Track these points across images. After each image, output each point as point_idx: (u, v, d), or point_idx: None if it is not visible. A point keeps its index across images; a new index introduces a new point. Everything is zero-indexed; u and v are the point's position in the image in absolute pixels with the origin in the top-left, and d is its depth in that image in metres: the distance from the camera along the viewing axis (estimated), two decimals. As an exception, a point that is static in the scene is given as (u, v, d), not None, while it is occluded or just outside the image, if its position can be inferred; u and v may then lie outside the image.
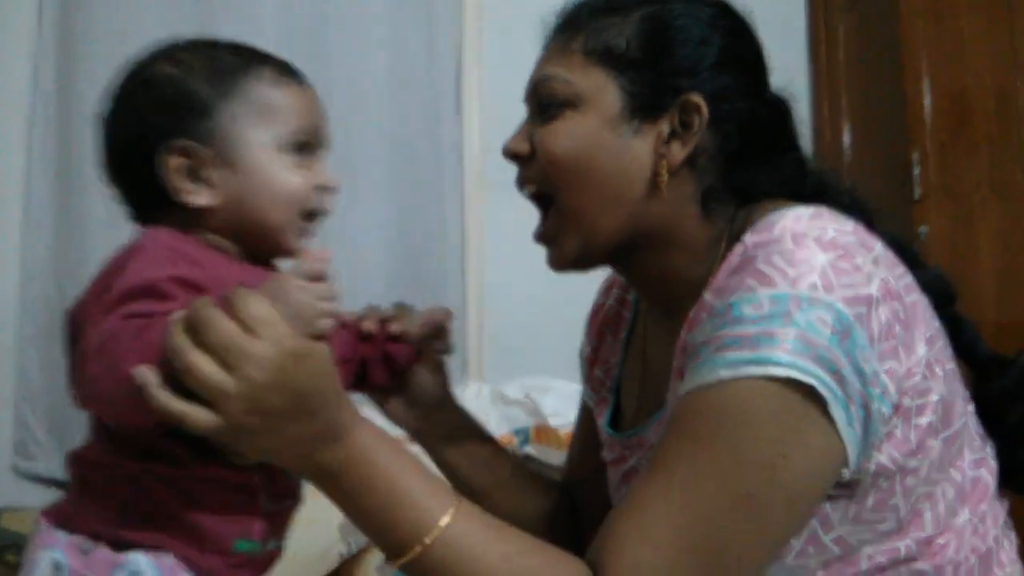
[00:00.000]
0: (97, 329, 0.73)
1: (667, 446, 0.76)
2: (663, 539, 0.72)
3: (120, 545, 0.78)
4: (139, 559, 0.78)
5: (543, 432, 1.90)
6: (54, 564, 0.79)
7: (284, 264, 0.87)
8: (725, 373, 0.72)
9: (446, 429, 1.03)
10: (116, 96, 0.86)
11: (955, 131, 2.39)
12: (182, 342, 0.67)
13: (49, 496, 2.25)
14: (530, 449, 1.86)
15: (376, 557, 1.72)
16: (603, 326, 1.10)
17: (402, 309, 0.97)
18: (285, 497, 0.85)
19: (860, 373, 0.72)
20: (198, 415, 0.68)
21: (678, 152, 0.85)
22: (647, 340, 1.00)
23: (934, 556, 0.80)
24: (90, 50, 2.35)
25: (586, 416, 1.14)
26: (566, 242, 0.89)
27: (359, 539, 1.71)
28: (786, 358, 0.70)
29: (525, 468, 1.14)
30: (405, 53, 2.57)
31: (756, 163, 0.88)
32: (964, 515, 0.82)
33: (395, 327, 0.95)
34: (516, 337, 2.44)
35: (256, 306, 0.69)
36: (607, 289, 1.12)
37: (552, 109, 0.87)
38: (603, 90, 0.86)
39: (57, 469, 2.30)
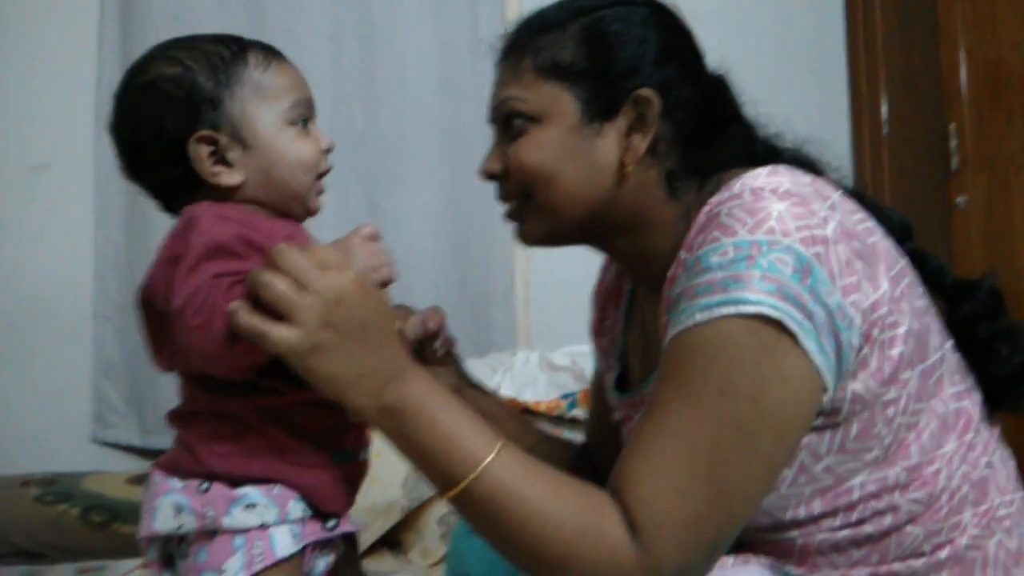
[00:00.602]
0: (185, 289, 0.82)
1: (659, 389, 0.84)
2: (668, 468, 0.79)
3: (233, 481, 0.88)
4: (252, 491, 0.88)
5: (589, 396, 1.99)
6: (175, 506, 0.88)
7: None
8: (700, 316, 0.80)
9: None
10: (125, 103, 0.94)
11: (992, 102, 2.39)
12: (260, 270, 0.78)
13: (126, 462, 2.42)
14: (577, 412, 1.96)
15: (436, 510, 1.84)
16: (605, 299, 1.19)
17: (402, 310, 1.05)
18: None
19: (824, 306, 0.78)
20: (279, 331, 0.77)
21: (639, 143, 0.93)
22: (644, 308, 1.08)
23: (925, 484, 0.87)
24: (149, 40, 2.41)
25: (598, 383, 1.24)
26: (535, 225, 0.98)
27: (419, 494, 1.83)
28: (753, 297, 0.77)
29: (550, 437, 1.24)
30: (451, 42, 2.64)
31: (709, 140, 0.95)
32: (951, 444, 0.89)
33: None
34: (562, 308, 2.51)
35: (326, 250, 0.80)
36: (607, 264, 1.21)
37: (516, 126, 0.95)
38: (559, 102, 0.93)
39: (134, 436, 2.46)
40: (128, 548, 1.90)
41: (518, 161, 0.95)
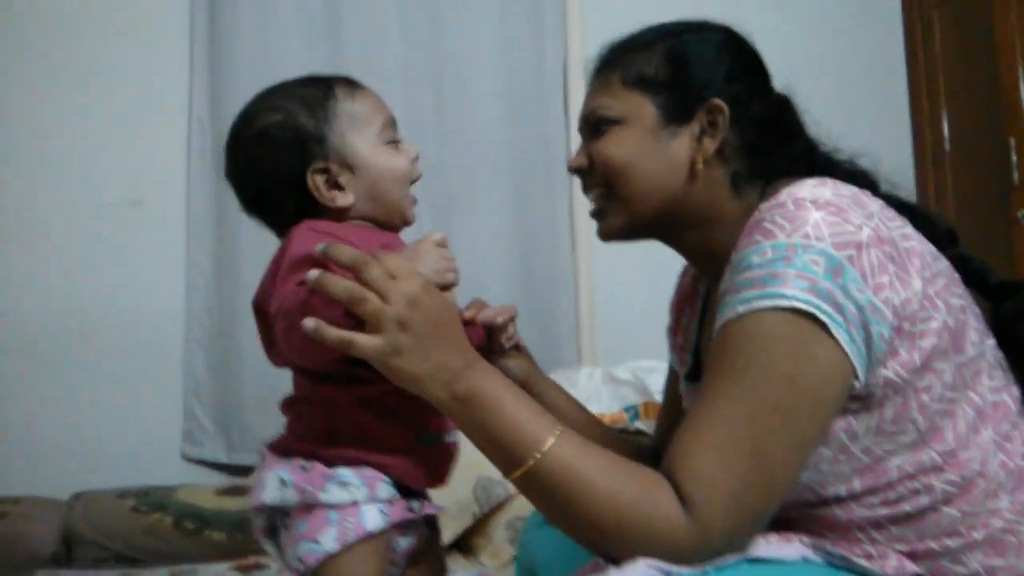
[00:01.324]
0: (277, 297, 0.95)
1: (709, 376, 0.91)
2: (714, 445, 0.86)
3: (330, 462, 0.99)
4: (346, 472, 0.99)
5: (651, 408, 2.05)
6: (280, 479, 1.00)
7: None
8: (742, 308, 0.88)
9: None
10: (240, 153, 1.07)
11: (1052, 116, 2.38)
12: (348, 284, 0.88)
13: (214, 478, 2.53)
14: (639, 424, 2.02)
15: (505, 515, 1.90)
16: (682, 302, 1.27)
17: (477, 303, 1.17)
18: None
19: (855, 302, 0.86)
20: (362, 338, 0.88)
21: (709, 145, 1.04)
22: (713, 305, 1.15)
23: (960, 467, 0.92)
24: (237, 79, 2.57)
25: (672, 381, 1.31)
26: (615, 218, 1.08)
27: (489, 500, 1.90)
28: (789, 292, 0.86)
29: (617, 434, 1.32)
30: (515, 66, 2.75)
31: (771, 149, 1.06)
32: (987, 433, 0.94)
33: (467, 313, 1.14)
34: (624, 326, 2.59)
35: (394, 258, 0.91)
36: (684, 272, 1.30)
37: (602, 128, 1.07)
38: (641, 107, 1.05)
39: (221, 454, 2.58)
40: (217, 552, 2.03)
41: (601, 155, 1.06)
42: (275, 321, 0.95)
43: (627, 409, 2.08)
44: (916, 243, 0.94)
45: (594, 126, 1.08)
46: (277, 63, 2.52)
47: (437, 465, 1.05)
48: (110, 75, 2.63)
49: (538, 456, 0.88)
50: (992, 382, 0.96)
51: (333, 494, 0.97)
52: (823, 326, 0.85)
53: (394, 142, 1.07)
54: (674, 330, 1.28)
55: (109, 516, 2.09)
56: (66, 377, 2.54)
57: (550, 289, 2.70)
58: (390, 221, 1.07)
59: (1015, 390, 0.99)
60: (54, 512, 2.14)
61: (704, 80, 1.05)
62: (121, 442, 2.51)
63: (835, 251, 0.86)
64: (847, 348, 0.86)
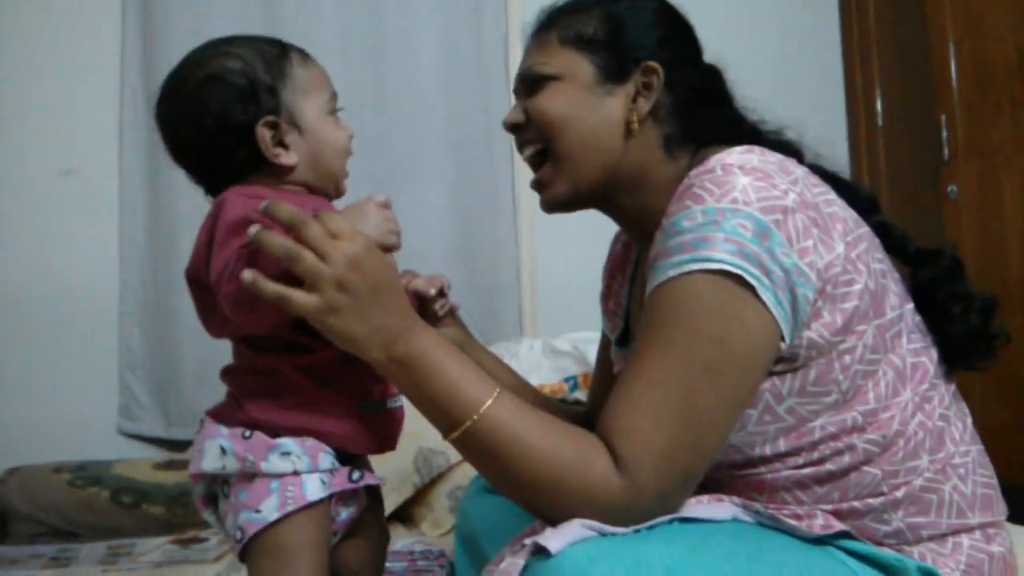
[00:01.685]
0: (219, 262, 0.93)
1: (641, 339, 0.93)
2: (646, 405, 0.88)
3: (272, 432, 0.98)
4: (288, 441, 0.98)
5: (590, 379, 2.07)
6: (220, 448, 0.99)
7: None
8: (672, 272, 0.90)
9: None
10: (185, 94, 1.04)
11: (980, 93, 2.46)
12: (285, 241, 0.87)
13: (151, 453, 2.50)
14: (578, 394, 2.04)
15: (445, 486, 1.92)
16: (614, 268, 1.30)
17: (408, 273, 1.19)
18: None
19: (781, 265, 0.88)
20: (299, 295, 0.88)
21: (644, 105, 1.06)
22: (644, 271, 1.16)
23: (880, 428, 0.95)
24: (170, 48, 2.52)
25: (604, 347, 1.34)
26: (558, 186, 1.09)
27: (430, 471, 1.91)
28: (717, 255, 0.87)
29: (548, 399, 1.34)
30: (455, 37, 2.74)
31: (702, 114, 1.08)
32: (906, 394, 0.97)
33: None
34: (565, 298, 2.59)
35: (338, 219, 0.90)
36: (615, 239, 1.32)
37: (539, 84, 1.08)
38: (578, 65, 1.07)
39: (159, 428, 2.56)
40: (155, 526, 2.02)
41: (538, 110, 1.08)
42: (218, 286, 0.93)
43: (567, 380, 2.11)
44: (838, 208, 0.96)
45: (531, 83, 1.09)
46: (211, 32, 2.38)
47: (382, 431, 1.05)
48: (41, 42, 2.56)
49: (476, 417, 0.89)
50: (911, 345, 0.99)
51: (274, 464, 0.97)
52: (751, 289, 0.87)
53: (334, 115, 1.07)
54: (606, 296, 1.31)
55: (44, 490, 2.06)
56: (-1, 352, 2.49)
57: (492, 262, 2.71)
58: (324, 190, 1.07)
59: (933, 353, 1.02)
60: (-14, 488, 2.09)
61: (640, 43, 1.07)
62: (56, 418, 2.48)
63: (762, 215, 0.88)
64: (774, 311, 0.88)
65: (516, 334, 2.64)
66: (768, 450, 0.96)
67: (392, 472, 1.83)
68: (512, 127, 1.12)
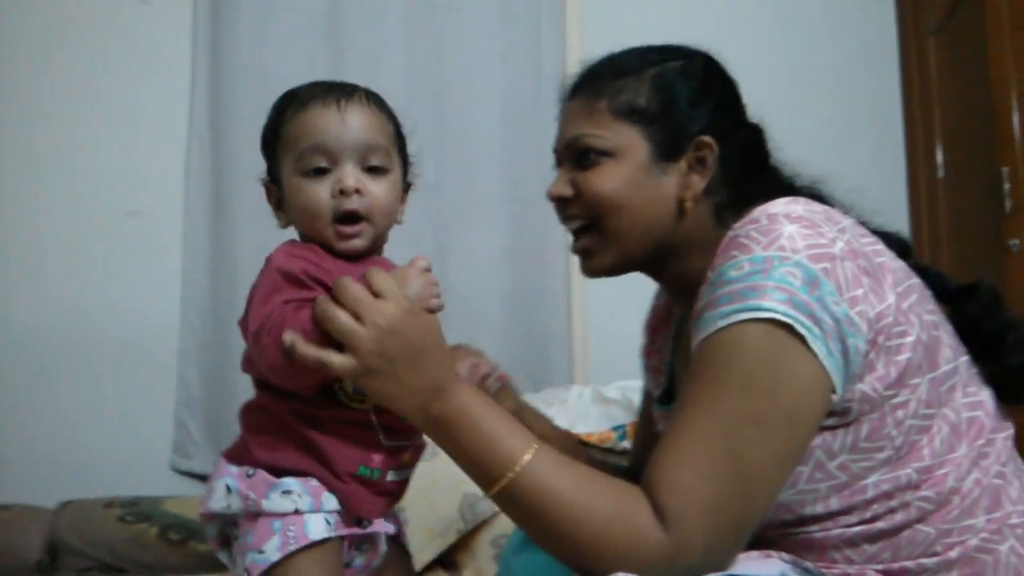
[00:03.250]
0: (260, 316, 0.94)
1: (687, 390, 0.91)
2: (693, 458, 0.86)
3: (276, 472, 0.97)
4: (291, 482, 0.97)
5: (637, 418, 2.04)
6: (226, 488, 0.98)
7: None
8: (721, 322, 0.88)
9: None
10: None
11: (1044, 145, 2.39)
12: (325, 303, 0.89)
13: (203, 490, 2.51)
14: (626, 443, 2.01)
15: (489, 532, 1.90)
16: (656, 323, 1.28)
17: (460, 350, 1.17)
18: (402, 438, 1.02)
19: (832, 315, 0.86)
20: (337, 358, 0.89)
21: (698, 183, 1.04)
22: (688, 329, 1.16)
23: (936, 484, 0.91)
24: (237, 93, 2.60)
25: (647, 403, 1.32)
26: (604, 258, 1.07)
27: (475, 517, 1.89)
28: (767, 304, 0.86)
29: (598, 461, 1.31)
30: (514, 83, 2.78)
31: (751, 178, 1.06)
32: (962, 449, 0.93)
33: None
34: (617, 347, 2.56)
35: (382, 279, 0.91)
36: (658, 294, 1.30)
37: (591, 158, 1.05)
38: (633, 142, 1.04)
39: (211, 467, 2.54)
40: (202, 564, 2.03)
41: (592, 189, 1.05)
42: (256, 340, 0.93)
43: (615, 428, 2.08)
44: (888, 259, 0.94)
45: (580, 154, 1.06)
46: (278, 78, 2.51)
47: (373, 499, 1.00)
48: (111, 85, 2.66)
49: (514, 473, 0.88)
50: (966, 399, 0.96)
51: (276, 502, 0.95)
52: (801, 339, 0.85)
53: (319, 171, 0.98)
54: (648, 352, 1.29)
55: (95, 525, 2.10)
56: (60, 386, 2.56)
57: (544, 309, 2.71)
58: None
59: (989, 404, 0.99)
60: (41, 520, 2.14)
61: (693, 115, 1.05)
62: (112, 453, 2.52)
63: (811, 263, 0.87)
64: (825, 361, 0.86)
65: (566, 381, 2.62)
66: (820, 508, 0.93)
67: (437, 518, 1.82)
68: (558, 199, 1.10)
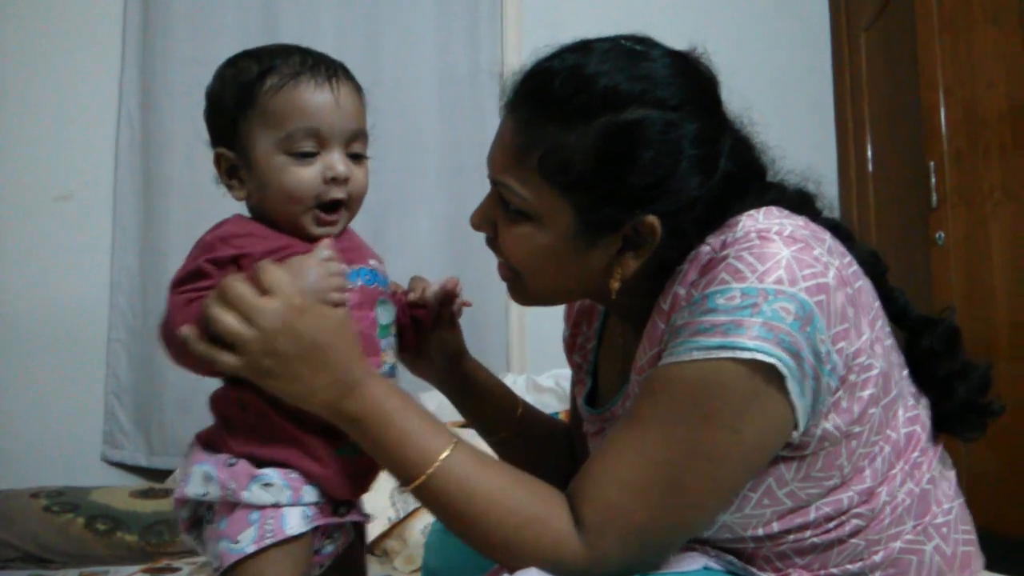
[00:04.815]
0: (167, 308, 0.93)
1: (642, 406, 0.87)
2: (631, 480, 0.84)
3: (256, 462, 0.95)
4: (271, 473, 0.95)
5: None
6: (205, 475, 0.96)
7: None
8: (698, 354, 0.82)
9: (464, 379, 1.21)
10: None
11: (969, 140, 2.45)
12: (210, 302, 0.86)
13: (132, 481, 2.48)
14: (559, 431, 2.02)
15: (420, 521, 1.90)
16: (579, 316, 1.23)
17: (418, 281, 1.15)
18: None
19: (815, 353, 0.82)
20: (224, 357, 0.86)
21: (631, 263, 0.93)
22: (620, 333, 1.12)
23: (871, 502, 0.91)
24: (168, 73, 2.55)
25: (573, 396, 1.29)
26: (525, 298, 1.02)
27: (406, 505, 1.89)
28: (752, 344, 0.80)
29: (533, 409, 1.30)
30: (451, 70, 2.77)
31: (710, 227, 0.92)
32: (899, 465, 0.93)
33: (412, 296, 1.12)
34: (551, 333, 2.57)
35: (271, 274, 0.87)
36: None
37: (511, 212, 0.94)
38: (559, 211, 0.91)
39: (141, 457, 2.54)
40: (130, 555, 1.99)
41: (507, 247, 0.97)
42: (161, 329, 0.92)
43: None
44: (863, 280, 0.91)
45: (503, 197, 0.95)
46: (210, 58, 2.46)
47: (358, 476, 1.00)
48: (39, 67, 2.59)
49: (431, 470, 0.87)
50: (906, 413, 0.95)
51: (256, 494, 0.94)
52: (780, 378, 0.82)
53: (307, 154, 0.96)
54: (570, 345, 1.24)
55: (20, 515, 2.04)
56: (-15, 373, 2.49)
57: (480, 296, 2.67)
58: (287, 231, 0.98)
59: (925, 416, 0.98)
60: (-37, 511, 2.07)
61: (640, 190, 0.88)
62: (38, 442, 2.47)
63: (807, 296, 0.82)
64: (796, 401, 0.83)
65: (502, 369, 2.63)
66: (761, 531, 0.92)
67: (368, 507, 1.81)
68: (478, 229, 1.02)
